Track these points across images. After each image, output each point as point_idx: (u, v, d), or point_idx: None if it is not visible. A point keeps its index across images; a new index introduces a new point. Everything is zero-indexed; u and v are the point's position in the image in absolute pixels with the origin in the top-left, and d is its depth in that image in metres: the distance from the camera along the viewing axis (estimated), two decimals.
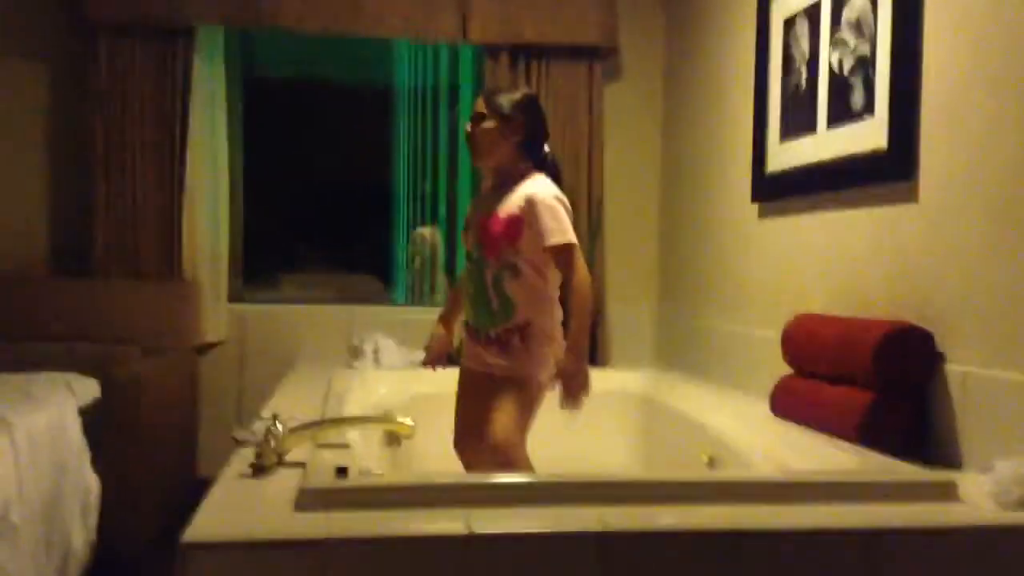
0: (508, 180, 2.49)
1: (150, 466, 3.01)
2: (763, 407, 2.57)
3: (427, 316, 3.96)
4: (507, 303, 2.45)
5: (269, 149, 5.49)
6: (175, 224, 3.70)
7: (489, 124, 2.47)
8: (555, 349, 2.46)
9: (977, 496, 1.75)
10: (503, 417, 2.41)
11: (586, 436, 3.31)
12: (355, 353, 3.65)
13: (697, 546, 1.52)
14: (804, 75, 2.78)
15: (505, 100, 2.49)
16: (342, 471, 1.63)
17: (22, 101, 3.74)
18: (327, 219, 6.01)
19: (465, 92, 4.25)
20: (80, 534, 2.73)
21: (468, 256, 2.58)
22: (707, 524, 1.55)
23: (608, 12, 3.92)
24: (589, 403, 3.33)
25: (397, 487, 1.59)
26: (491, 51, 3.90)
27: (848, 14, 2.54)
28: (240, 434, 2.01)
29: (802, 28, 2.80)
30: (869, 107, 2.42)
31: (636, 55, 4.15)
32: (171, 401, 3.31)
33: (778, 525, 1.56)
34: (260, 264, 5.62)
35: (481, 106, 2.50)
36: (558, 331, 2.50)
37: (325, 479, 1.59)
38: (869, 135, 2.41)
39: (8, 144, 3.73)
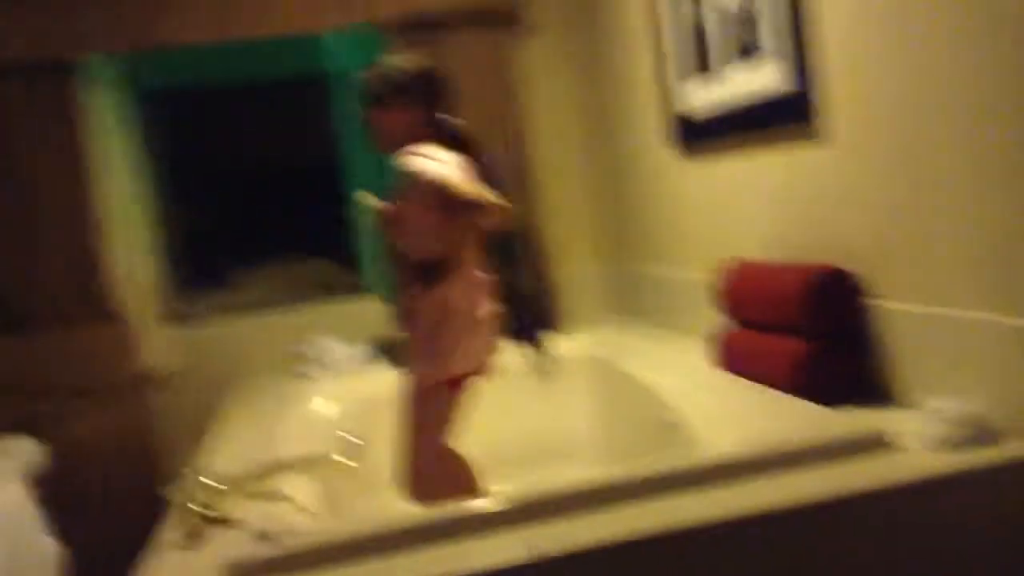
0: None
1: (108, 519, 2.96)
2: (707, 359, 2.55)
3: (370, 306, 3.96)
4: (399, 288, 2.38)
5: (200, 155, 5.39)
6: (92, 261, 3.59)
7: (387, 111, 2.33)
8: (464, 325, 2.32)
9: (910, 439, 1.75)
10: (405, 444, 2.36)
11: (544, 406, 3.32)
12: (300, 359, 3.60)
13: (628, 556, 1.50)
14: (702, 12, 2.68)
15: (395, 78, 2.34)
16: (264, 534, 1.58)
17: None
18: (274, 211, 5.93)
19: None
20: None
21: None
22: (634, 531, 1.52)
23: None
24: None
25: (322, 545, 1.55)
26: (387, 29, 3.77)
27: None
28: (170, 492, 1.97)
29: None
30: (768, 45, 2.34)
31: (543, 9, 4.01)
32: (120, 449, 3.26)
33: (708, 516, 1.54)
34: (210, 270, 5.56)
35: (371, 84, 2.36)
36: (464, 303, 2.31)
37: (248, 548, 1.54)
38: (768, 75, 2.34)
39: None
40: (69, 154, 3.56)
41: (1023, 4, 1.55)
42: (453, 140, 2.36)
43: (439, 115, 2.39)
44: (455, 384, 2.37)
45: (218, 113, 5.43)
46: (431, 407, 2.36)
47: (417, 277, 2.30)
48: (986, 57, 1.65)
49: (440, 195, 2.15)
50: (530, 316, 2.51)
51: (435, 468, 2.35)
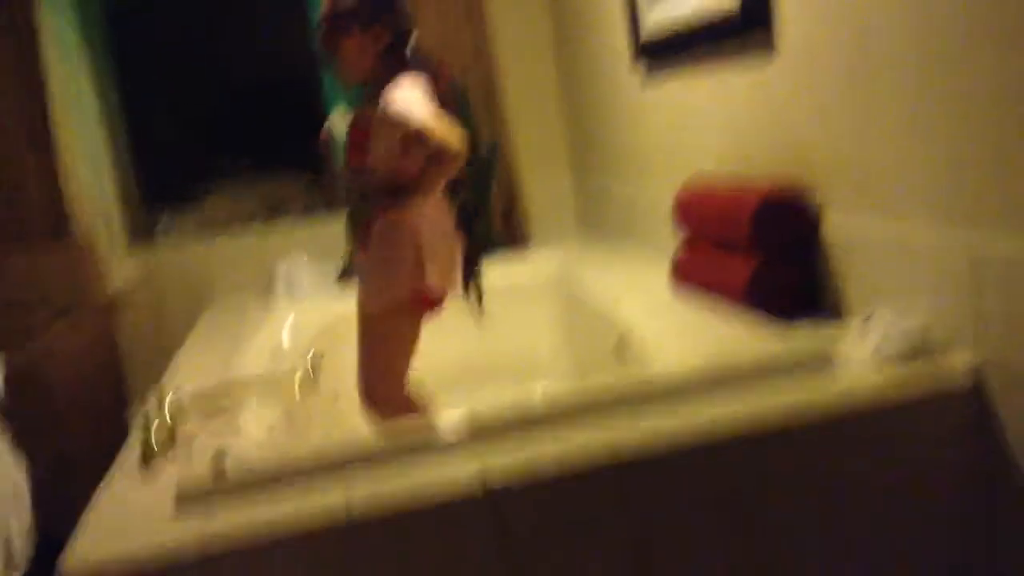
0: (378, 89, 2.23)
1: (75, 436, 2.98)
2: (667, 278, 2.57)
3: (342, 226, 3.94)
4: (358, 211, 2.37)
5: (171, 67, 5.27)
6: (54, 180, 3.54)
7: (347, 39, 2.24)
8: (427, 247, 2.31)
9: (856, 355, 1.77)
10: (360, 365, 2.40)
11: (503, 328, 3.32)
12: (268, 281, 3.60)
13: (578, 474, 1.54)
14: None
15: (359, 2, 2.24)
16: (220, 457, 1.60)
17: None
18: (246, 126, 5.83)
19: None
20: (16, 522, 2.72)
21: None
22: (584, 449, 1.55)
23: None
24: (508, 293, 3.37)
25: (272, 469, 1.57)
26: None
27: None
28: (132, 415, 1.99)
29: None
30: None
31: None
32: (86, 367, 3.26)
33: (657, 434, 1.58)
34: (180, 187, 5.49)
35: (328, 10, 2.25)
36: (410, 241, 2.29)
37: (199, 476, 1.56)
38: None
39: None
40: (28, 71, 3.48)
41: None
42: (418, 65, 2.29)
43: (403, 38, 2.32)
44: (415, 306, 2.37)
45: (191, 23, 5.30)
46: (390, 328, 2.36)
47: (380, 198, 2.27)
48: None
49: (416, 142, 2.10)
50: (475, 249, 2.49)
51: (393, 388, 2.37)
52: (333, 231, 3.84)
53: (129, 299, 3.79)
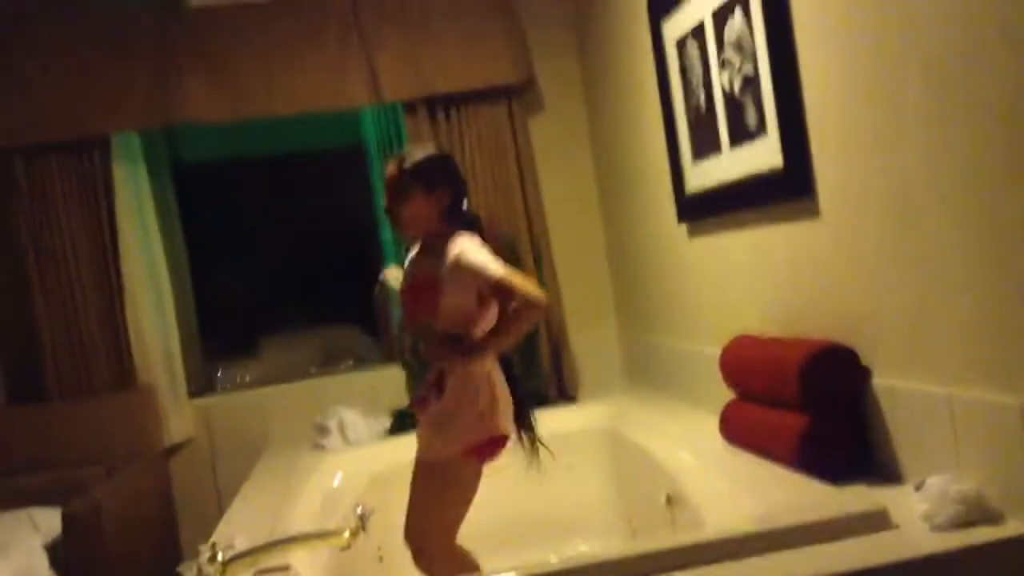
0: (435, 246, 2.40)
1: None
2: (716, 432, 2.57)
3: (394, 376, 4.01)
4: (424, 366, 2.43)
5: (230, 223, 5.54)
6: (121, 331, 3.69)
7: (412, 200, 2.39)
8: (494, 396, 2.38)
9: (911, 519, 1.75)
10: (419, 516, 2.41)
11: (556, 476, 3.31)
12: (321, 432, 3.63)
13: None
14: (702, 95, 2.78)
15: (424, 168, 2.40)
16: None
17: None
18: (305, 278, 6.05)
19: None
20: None
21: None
22: None
23: (519, 48, 3.91)
24: (559, 442, 3.37)
25: None
26: (408, 106, 3.89)
27: (729, 34, 2.54)
28: (184, 570, 2.01)
29: (693, 49, 2.80)
30: (762, 126, 2.41)
31: (555, 84, 4.14)
32: (141, 516, 3.30)
33: None
34: (238, 339, 5.66)
35: (394, 174, 2.41)
36: (487, 388, 2.37)
37: None
38: (766, 154, 2.40)
39: None
40: (101, 227, 3.69)
41: (1001, 88, 1.60)
42: (468, 226, 2.45)
43: (459, 199, 2.48)
44: (487, 453, 2.40)
45: (250, 184, 5.59)
46: (459, 477, 2.40)
47: (452, 349, 2.35)
48: (971, 136, 1.69)
49: (498, 289, 2.27)
50: (527, 397, 2.54)
51: (448, 541, 2.39)
52: (384, 382, 3.94)
53: (186, 450, 3.86)
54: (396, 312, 4.15)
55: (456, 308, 2.33)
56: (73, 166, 3.67)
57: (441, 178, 2.42)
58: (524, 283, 2.29)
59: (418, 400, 2.45)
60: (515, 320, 2.29)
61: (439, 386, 2.39)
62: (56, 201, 3.65)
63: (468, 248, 2.32)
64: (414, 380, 2.47)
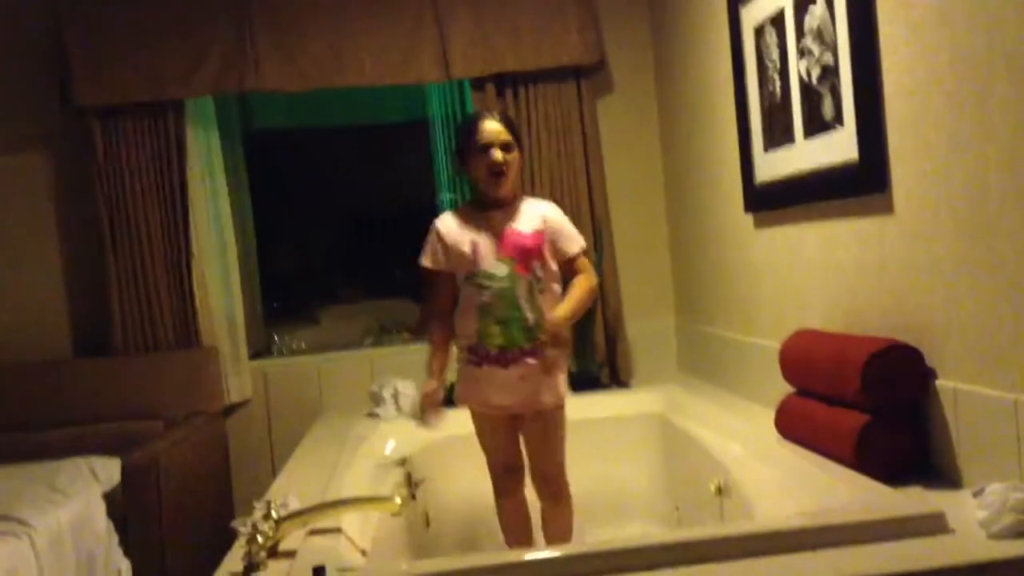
0: (506, 202, 2.57)
1: (181, 542, 3.06)
2: (771, 426, 2.54)
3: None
4: (540, 316, 2.49)
5: (294, 192, 5.61)
6: (187, 292, 3.77)
7: (516, 154, 2.56)
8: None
9: (968, 525, 1.72)
10: (557, 456, 2.60)
11: (608, 459, 3.34)
12: (376, 400, 3.68)
13: None
14: (778, 84, 2.74)
15: (515, 126, 2.62)
16: (319, 571, 1.64)
17: (27, 190, 3.84)
18: (364, 250, 6.12)
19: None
20: None
21: (471, 277, 2.53)
22: None
23: (590, 29, 3.88)
24: (611, 426, 3.39)
25: None
26: (476, 83, 3.90)
27: (810, 22, 2.49)
28: (237, 524, 2.06)
29: (771, 36, 2.75)
30: (838, 117, 2.37)
31: (626, 67, 4.11)
32: (198, 471, 3.38)
33: None
34: (298, 303, 5.75)
35: (506, 134, 2.54)
36: None
37: None
38: (841, 146, 2.36)
39: (19, 235, 3.84)
40: (172, 190, 3.77)
41: None
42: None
43: None
44: None
45: (315, 154, 5.65)
46: (563, 423, 2.63)
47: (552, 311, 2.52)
48: None
49: (577, 258, 2.58)
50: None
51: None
52: (420, 360, 3.93)
53: (243, 410, 3.94)
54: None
55: (548, 259, 2.56)
56: (147, 128, 3.75)
57: (521, 141, 2.65)
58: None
59: (524, 353, 2.51)
60: (589, 295, 2.55)
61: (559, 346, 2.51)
62: (130, 162, 3.74)
63: (557, 210, 2.63)
64: (514, 333, 2.51)
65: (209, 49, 3.71)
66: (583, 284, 2.53)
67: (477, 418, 2.66)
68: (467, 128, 2.59)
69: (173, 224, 3.77)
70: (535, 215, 2.57)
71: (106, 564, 2.83)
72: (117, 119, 3.73)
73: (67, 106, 3.69)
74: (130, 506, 2.92)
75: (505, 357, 2.51)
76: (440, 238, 2.58)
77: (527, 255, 2.51)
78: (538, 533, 2.69)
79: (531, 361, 2.50)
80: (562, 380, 2.59)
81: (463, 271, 2.54)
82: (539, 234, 2.53)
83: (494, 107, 3.81)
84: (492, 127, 2.54)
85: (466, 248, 2.53)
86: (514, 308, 2.49)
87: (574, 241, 2.58)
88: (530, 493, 2.68)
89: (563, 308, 2.47)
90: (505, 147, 2.53)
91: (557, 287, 2.56)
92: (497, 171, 2.52)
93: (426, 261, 2.59)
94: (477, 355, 2.54)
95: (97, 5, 3.70)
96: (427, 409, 2.60)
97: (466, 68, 3.82)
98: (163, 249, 3.78)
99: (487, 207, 2.58)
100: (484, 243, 2.52)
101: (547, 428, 2.58)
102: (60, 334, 3.84)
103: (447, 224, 2.60)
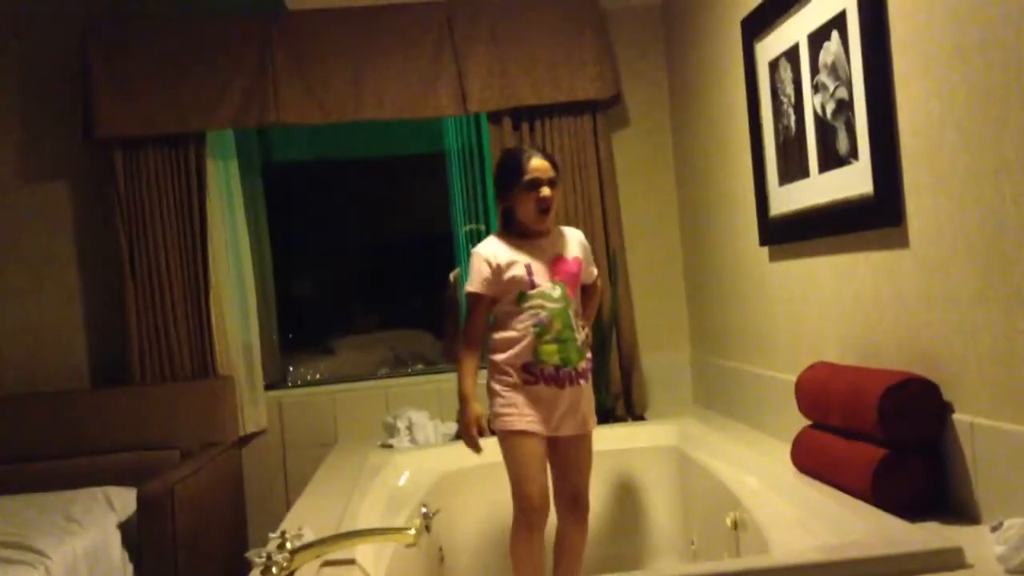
0: (544, 230, 2.70)
1: (196, 572, 3.06)
2: (787, 459, 2.53)
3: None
4: (586, 339, 2.68)
5: (312, 224, 5.66)
6: (204, 321, 3.80)
7: (556, 190, 2.68)
8: None
9: (986, 560, 1.71)
10: (588, 479, 2.70)
11: (623, 492, 3.33)
12: (390, 431, 3.69)
13: None
14: (793, 118, 2.75)
15: (558, 164, 2.77)
16: None
17: (47, 220, 3.90)
18: (380, 282, 6.16)
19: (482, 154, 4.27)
20: None
21: (525, 298, 2.58)
22: None
23: (606, 64, 3.92)
24: (626, 458, 3.38)
25: None
26: (492, 116, 3.94)
27: (824, 57, 2.51)
28: (252, 555, 2.06)
29: (785, 71, 2.77)
30: (853, 152, 2.38)
31: (642, 101, 4.15)
32: (212, 502, 3.38)
33: None
34: (314, 334, 5.77)
35: (552, 171, 2.67)
36: None
37: None
38: (856, 180, 2.37)
39: (39, 264, 3.89)
40: (192, 220, 3.81)
41: None
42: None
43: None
44: None
45: (332, 186, 5.70)
46: None
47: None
48: None
49: (595, 285, 2.81)
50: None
51: None
52: (452, 387, 3.94)
53: (258, 440, 3.95)
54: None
55: (586, 282, 2.76)
56: (168, 160, 3.80)
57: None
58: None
59: (578, 372, 2.62)
60: (594, 308, 2.87)
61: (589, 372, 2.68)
62: (151, 193, 3.79)
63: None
64: (571, 352, 2.62)
65: (231, 83, 3.77)
66: (595, 308, 2.88)
67: (518, 442, 2.56)
68: (514, 163, 2.65)
69: (192, 254, 3.81)
70: (576, 242, 2.74)
71: None
72: (138, 150, 3.78)
73: (90, 137, 3.74)
74: (145, 536, 2.92)
75: (560, 377, 2.57)
76: (487, 264, 2.61)
77: (573, 279, 2.67)
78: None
79: (583, 382, 2.62)
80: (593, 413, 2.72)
81: (514, 294, 2.60)
82: (579, 260, 2.71)
83: (509, 141, 3.86)
84: (541, 164, 2.65)
85: (520, 271, 2.59)
86: (568, 328, 2.59)
87: (595, 268, 2.81)
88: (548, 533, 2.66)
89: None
90: (552, 184, 2.65)
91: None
92: (545, 207, 2.63)
93: (472, 287, 2.62)
94: (533, 375, 2.57)
95: (122, 38, 3.77)
96: (477, 434, 2.63)
97: (483, 102, 3.86)
98: (181, 279, 3.81)
99: (530, 235, 2.68)
100: (537, 267, 2.61)
101: (587, 449, 2.69)
102: (78, 363, 3.87)
103: (494, 250, 2.64)
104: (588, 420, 2.66)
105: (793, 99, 2.73)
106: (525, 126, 3.93)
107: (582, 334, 2.64)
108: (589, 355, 2.68)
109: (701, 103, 3.69)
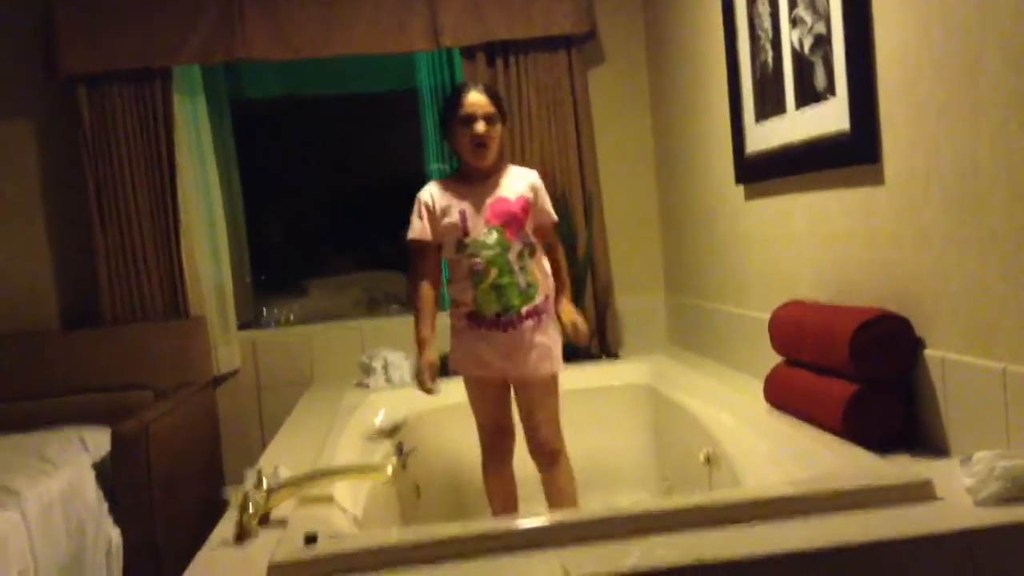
0: (490, 172, 2.61)
1: (171, 511, 3.07)
2: (760, 396, 2.56)
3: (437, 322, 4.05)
4: (534, 280, 2.56)
5: (283, 164, 5.57)
6: (175, 262, 3.75)
7: (499, 126, 2.59)
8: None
9: (955, 492, 1.74)
10: (553, 422, 2.61)
11: (597, 430, 3.35)
12: (366, 371, 3.68)
13: None
14: (770, 54, 2.72)
15: (500, 99, 2.64)
16: (311, 539, 1.65)
17: (13, 160, 3.80)
18: (353, 222, 6.09)
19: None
20: None
21: (461, 247, 2.55)
22: (670, 560, 1.54)
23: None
24: (600, 396, 3.40)
25: (362, 551, 1.61)
26: (466, 52, 3.87)
27: None
28: (228, 493, 2.05)
29: (763, 6, 2.74)
30: (831, 88, 2.36)
31: (617, 37, 4.09)
32: (187, 441, 3.37)
33: (742, 553, 1.56)
34: (288, 275, 5.73)
35: (489, 106, 2.56)
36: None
37: (293, 551, 1.61)
38: (833, 116, 2.35)
39: (5, 205, 3.80)
40: (160, 159, 3.74)
41: None
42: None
43: None
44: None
45: (303, 124, 5.61)
46: (557, 389, 2.66)
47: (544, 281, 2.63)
48: None
49: (551, 229, 2.68)
50: None
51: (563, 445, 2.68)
52: (409, 331, 3.96)
53: (232, 380, 3.93)
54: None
55: (534, 225, 2.63)
56: (134, 96, 3.72)
57: (505, 113, 2.67)
58: None
59: (520, 317, 2.55)
60: (563, 266, 2.71)
61: (544, 311, 2.60)
62: (117, 131, 3.71)
63: (539, 178, 2.67)
64: (511, 296, 2.55)
65: (197, 17, 3.67)
66: (563, 262, 2.72)
67: (471, 383, 2.69)
68: (452, 99, 2.61)
69: (161, 194, 3.75)
70: (522, 182, 2.62)
71: (96, 533, 2.83)
72: (103, 88, 3.69)
73: (53, 74, 3.64)
74: (120, 476, 2.92)
75: (501, 321, 2.53)
76: (426, 209, 2.60)
77: (514, 220, 2.55)
78: (538, 503, 2.71)
79: (530, 323, 2.54)
80: (557, 347, 2.61)
81: (452, 240, 2.55)
82: (524, 200, 2.59)
83: (483, 77, 3.80)
84: (476, 99, 2.56)
85: (455, 217, 2.55)
86: (507, 273, 2.52)
87: (551, 212, 2.67)
88: (524, 467, 2.69)
89: (567, 303, 2.66)
90: (488, 119, 2.55)
91: (542, 252, 2.64)
92: (479, 143, 2.54)
93: (413, 233, 2.60)
94: (475, 321, 2.56)
95: None
96: (431, 378, 2.60)
97: (456, 37, 3.79)
98: (151, 219, 3.75)
99: (472, 177, 2.61)
100: (471, 212, 2.55)
101: (541, 393, 2.60)
102: (48, 305, 3.82)
103: (432, 195, 2.62)
104: (539, 365, 2.56)
105: (771, 34, 2.70)
106: (500, 62, 3.87)
107: (526, 276, 2.54)
108: (543, 296, 2.57)
109: (677, 39, 3.64)
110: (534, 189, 2.63)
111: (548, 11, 3.82)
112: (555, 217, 2.68)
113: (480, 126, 2.53)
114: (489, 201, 2.56)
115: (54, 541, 2.57)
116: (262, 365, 3.98)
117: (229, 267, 3.97)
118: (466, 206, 2.55)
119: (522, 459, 2.68)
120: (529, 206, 2.59)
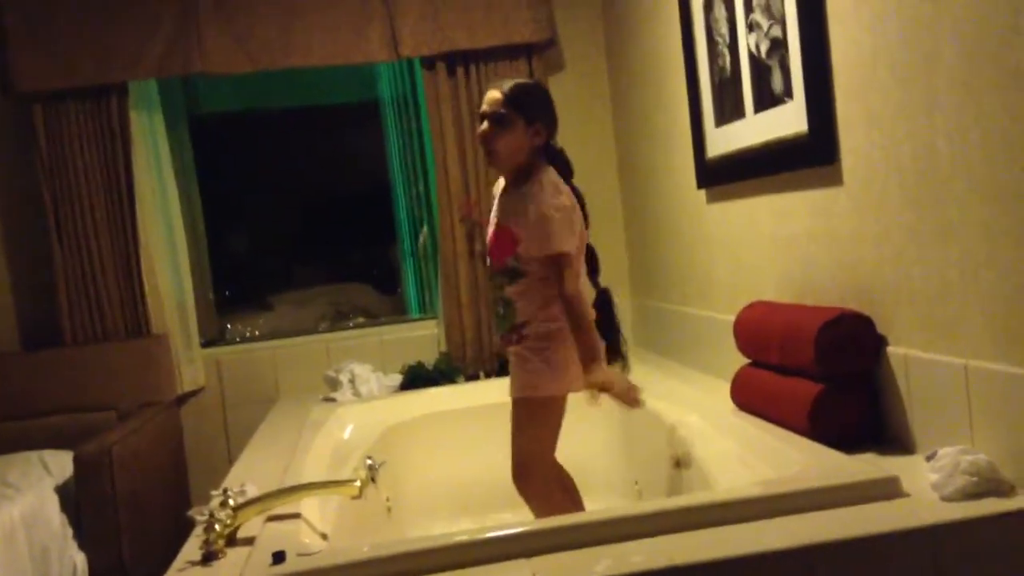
0: (520, 178, 2.43)
1: (138, 533, 3.02)
2: (727, 398, 2.57)
3: (404, 334, 4.04)
4: (511, 302, 2.44)
5: (244, 177, 5.53)
6: (136, 279, 3.70)
7: (513, 129, 2.35)
8: (568, 350, 2.40)
9: (921, 488, 1.75)
10: (523, 456, 2.46)
11: (565, 434, 3.32)
12: (332, 384, 3.65)
13: None
14: (728, 59, 2.75)
15: (528, 100, 2.38)
16: (279, 557, 1.63)
17: None
18: (317, 234, 6.06)
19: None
20: None
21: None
22: (642, 564, 1.54)
23: (541, 7, 3.86)
24: (568, 400, 3.38)
25: (332, 568, 1.59)
26: (426, 62, 3.86)
27: None
28: (194, 513, 2.02)
29: (720, 11, 2.76)
30: (788, 90, 2.38)
31: (577, 45, 4.10)
32: (152, 462, 3.32)
33: (714, 555, 1.56)
34: (251, 290, 5.67)
35: (499, 105, 2.36)
36: (566, 332, 2.38)
37: (261, 570, 1.59)
38: (791, 119, 2.38)
39: None
40: (118, 175, 3.69)
41: None
42: (552, 158, 2.47)
43: (550, 138, 2.47)
44: (562, 399, 2.49)
45: (264, 137, 5.57)
46: (549, 413, 2.48)
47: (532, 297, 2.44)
48: (1004, 109, 1.66)
49: (548, 263, 2.36)
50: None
51: (529, 471, 2.48)
52: (395, 339, 3.97)
53: (197, 398, 3.88)
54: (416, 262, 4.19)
55: (531, 254, 2.39)
56: (91, 113, 3.67)
57: (540, 112, 2.40)
58: (571, 274, 2.35)
59: (503, 338, 2.52)
60: (576, 319, 2.37)
61: (520, 332, 2.44)
62: (73, 148, 3.66)
63: (547, 207, 2.33)
64: (499, 318, 2.53)
65: (154, 31, 3.63)
66: (576, 308, 2.36)
67: None
68: None
69: (119, 210, 3.70)
70: (532, 209, 2.35)
71: (61, 558, 2.78)
72: (59, 105, 3.63)
73: (7, 92, 3.59)
74: (84, 499, 2.87)
75: (503, 343, 2.56)
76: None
77: (496, 251, 2.48)
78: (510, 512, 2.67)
79: (510, 349, 2.50)
80: (537, 376, 2.44)
81: None
82: (510, 232, 2.41)
83: (444, 87, 3.80)
84: (488, 96, 2.40)
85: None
86: (493, 300, 2.54)
87: (548, 243, 2.34)
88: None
89: (593, 366, 2.36)
90: (494, 119, 2.35)
91: (539, 276, 2.40)
92: (483, 146, 2.43)
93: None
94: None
95: None
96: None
97: (415, 47, 3.78)
98: (110, 236, 3.70)
99: (508, 184, 2.50)
100: (491, 227, 2.54)
101: (515, 418, 2.50)
102: (7, 326, 3.75)
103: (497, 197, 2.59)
104: (513, 387, 2.49)
105: (728, 39, 2.72)
106: (460, 71, 3.87)
107: (504, 300, 2.44)
108: (522, 320, 2.43)
109: (637, 45, 3.66)
110: (531, 220, 2.35)
111: (508, 19, 3.82)
112: (552, 250, 2.33)
113: (481, 126, 2.41)
114: (497, 219, 2.50)
115: (18, 567, 2.52)
116: (227, 382, 3.93)
117: (191, 284, 3.93)
118: (493, 219, 2.53)
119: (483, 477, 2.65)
120: (512, 236, 2.40)
